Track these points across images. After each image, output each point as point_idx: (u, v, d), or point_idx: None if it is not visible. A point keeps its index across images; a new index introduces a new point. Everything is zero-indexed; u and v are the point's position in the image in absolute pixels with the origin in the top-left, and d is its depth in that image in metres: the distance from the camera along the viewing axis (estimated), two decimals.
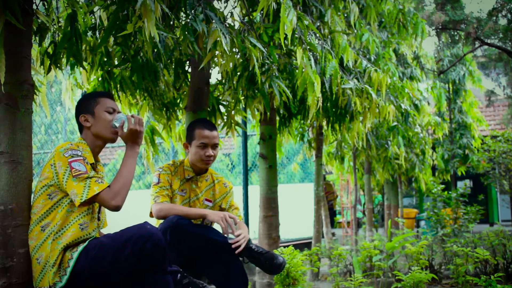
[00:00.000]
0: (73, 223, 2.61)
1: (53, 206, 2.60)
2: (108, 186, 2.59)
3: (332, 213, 16.23)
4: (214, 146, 3.48)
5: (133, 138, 2.76)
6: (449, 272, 5.56)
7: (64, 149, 2.60)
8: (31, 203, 2.65)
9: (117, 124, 2.77)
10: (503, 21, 9.57)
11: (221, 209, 3.62)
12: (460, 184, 15.74)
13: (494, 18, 9.25)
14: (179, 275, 2.89)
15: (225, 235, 3.26)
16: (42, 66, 3.42)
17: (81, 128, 2.83)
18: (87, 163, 2.61)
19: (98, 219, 2.82)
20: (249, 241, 3.31)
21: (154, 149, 4.74)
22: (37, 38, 3.17)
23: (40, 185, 2.62)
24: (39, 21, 3.11)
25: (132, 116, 2.77)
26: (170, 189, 3.45)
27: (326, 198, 12.75)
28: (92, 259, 2.55)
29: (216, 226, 3.51)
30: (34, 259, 2.58)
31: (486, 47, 10.54)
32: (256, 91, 4.08)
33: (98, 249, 2.57)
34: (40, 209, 2.60)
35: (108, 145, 2.95)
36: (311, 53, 3.75)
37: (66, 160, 2.56)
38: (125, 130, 2.75)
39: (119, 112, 2.87)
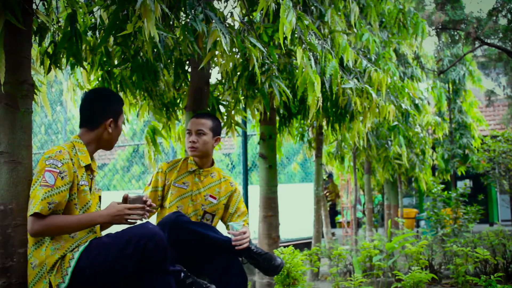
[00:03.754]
0: None
1: None
2: (47, 215, 2.51)
3: (334, 213, 16.22)
4: (199, 132, 3.47)
5: (113, 212, 2.64)
6: (449, 272, 5.57)
7: (49, 156, 2.58)
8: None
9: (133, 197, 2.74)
10: (503, 21, 9.57)
11: (227, 210, 3.62)
12: (460, 184, 15.73)
13: (494, 18, 9.24)
14: (182, 274, 2.88)
15: (228, 235, 3.26)
16: (42, 66, 3.42)
17: (94, 125, 2.78)
18: (62, 177, 2.55)
19: None
20: (249, 241, 3.31)
21: (156, 149, 4.74)
22: (37, 38, 3.17)
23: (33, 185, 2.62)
24: (39, 21, 3.10)
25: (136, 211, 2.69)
26: (159, 188, 3.49)
27: (326, 198, 12.73)
28: (93, 258, 2.54)
29: (219, 227, 3.51)
30: (29, 263, 2.57)
31: (486, 47, 10.55)
32: (256, 91, 4.08)
33: (100, 248, 2.57)
34: None
35: None
36: (311, 53, 3.75)
37: (44, 168, 2.55)
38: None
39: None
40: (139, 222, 2.69)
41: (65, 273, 2.52)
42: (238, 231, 3.26)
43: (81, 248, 2.57)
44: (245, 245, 3.23)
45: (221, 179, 3.62)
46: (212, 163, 3.63)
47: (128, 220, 2.67)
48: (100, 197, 2.89)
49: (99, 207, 2.87)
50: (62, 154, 2.60)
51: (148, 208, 2.75)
